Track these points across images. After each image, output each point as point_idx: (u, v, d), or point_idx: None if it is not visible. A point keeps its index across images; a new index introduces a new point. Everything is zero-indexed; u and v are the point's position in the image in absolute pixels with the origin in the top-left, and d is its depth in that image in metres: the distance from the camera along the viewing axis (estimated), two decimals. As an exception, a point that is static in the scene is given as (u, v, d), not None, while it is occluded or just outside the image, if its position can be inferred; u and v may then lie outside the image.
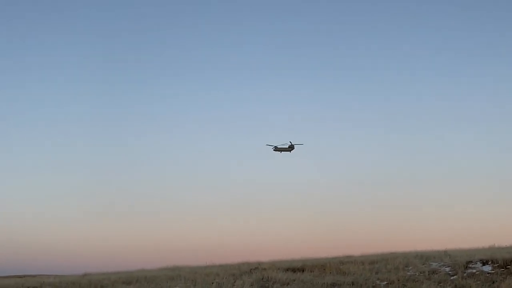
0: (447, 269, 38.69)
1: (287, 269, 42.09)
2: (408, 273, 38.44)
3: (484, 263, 38.79)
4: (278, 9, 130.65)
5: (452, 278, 36.43)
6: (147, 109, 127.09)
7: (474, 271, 37.57)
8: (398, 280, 36.52)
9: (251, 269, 43.21)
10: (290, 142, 68.25)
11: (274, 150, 68.88)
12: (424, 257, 42.96)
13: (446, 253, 43.88)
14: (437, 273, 37.76)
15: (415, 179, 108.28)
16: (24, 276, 68.81)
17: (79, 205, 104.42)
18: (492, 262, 38.63)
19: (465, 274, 36.88)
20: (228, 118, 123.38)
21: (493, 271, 37.12)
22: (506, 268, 37.29)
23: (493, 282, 34.90)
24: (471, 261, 39.28)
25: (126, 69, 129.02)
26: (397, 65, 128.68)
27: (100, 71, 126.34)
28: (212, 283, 38.70)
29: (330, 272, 40.17)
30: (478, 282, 35.13)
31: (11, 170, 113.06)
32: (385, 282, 36.55)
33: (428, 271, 38.28)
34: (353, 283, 36.50)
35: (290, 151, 68.80)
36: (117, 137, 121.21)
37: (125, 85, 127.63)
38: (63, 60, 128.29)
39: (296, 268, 42.29)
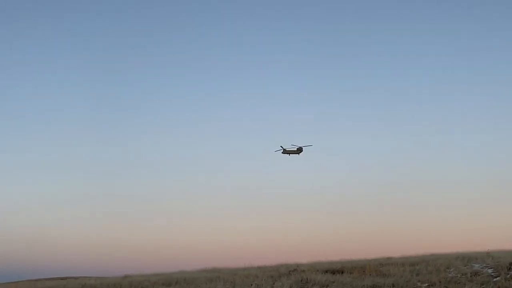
0: (490, 270, 37.99)
1: (326, 271, 41.89)
2: (450, 275, 37.87)
3: (528, 264, 38.02)
4: (280, 8, 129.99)
5: (495, 279, 35.72)
6: (158, 108, 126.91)
7: (518, 272, 36.85)
8: (440, 282, 35.98)
9: (289, 270, 43.14)
10: (293, 145, 68.12)
11: (282, 153, 68.53)
12: (465, 259, 42.30)
13: (488, 254, 43.14)
14: (479, 275, 37.09)
15: (454, 179, 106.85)
16: (66, 278, 69.87)
17: (120, 208, 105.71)
18: (537, 263, 37.85)
19: (508, 276, 36.13)
20: (251, 118, 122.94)
21: (537, 273, 36.35)
22: (551, 269, 36.49)
23: (538, 284, 34.15)
24: (515, 262, 38.54)
25: (126, 70, 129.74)
26: (410, 64, 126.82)
27: (100, 71, 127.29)
28: (251, 284, 38.71)
29: (370, 274, 39.82)
30: (522, 283, 34.42)
31: (45, 173, 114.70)
32: (426, 284, 36.04)
33: (470, 273, 37.64)
34: (393, 285, 36.08)
35: (298, 153, 68.36)
36: (143, 137, 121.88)
37: (127, 86, 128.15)
38: (63, 60, 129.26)
39: (335, 270, 42.06)
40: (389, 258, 48.00)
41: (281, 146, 68.05)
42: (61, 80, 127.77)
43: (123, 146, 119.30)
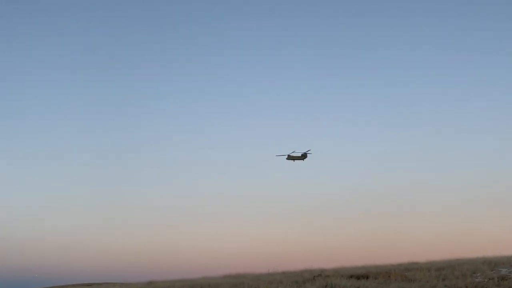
0: (517, 275, 37.53)
1: (350, 276, 41.63)
2: (476, 279, 37.41)
3: (557, 268, 37.47)
4: (281, 10, 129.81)
5: (523, 284, 35.28)
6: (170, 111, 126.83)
7: (546, 277, 36.33)
8: (466, 286, 35.59)
9: (314, 276, 42.96)
10: (296, 152, 67.99)
11: (287, 159, 68.32)
12: (492, 263, 41.78)
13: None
14: (506, 279, 36.61)
15: (477, 183, 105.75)
16: (92, 284, 70.34)
17: (144, 215, 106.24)
18: None
19: (536, 281, 35.68)
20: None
21: None
22: None
23: None
24: (543, 267, 38.02)
25: (131, 75, 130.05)
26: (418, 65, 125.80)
27: (105, 76, 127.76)
28: (275, 290, 38.64)
29: (395, 279, 39.50)
30: (551, 288, 33.94)
31: (68, 181, 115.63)
32: (453, 289, 35.72)
33: (497, 277, 37.17)
34: (419, 290, 35.81)
35: (303, 159, 68.19)
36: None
37: (131, 91, 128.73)
38: (67, 63, 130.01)
39: (360, 275, 41.79)
40: (414, 263, 47.59)
41: (285, 154, 68.21)
42: (67, 84, 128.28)
43: (140, 153, 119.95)
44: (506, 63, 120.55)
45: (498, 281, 36.52)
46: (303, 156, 67.98)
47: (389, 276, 40.60)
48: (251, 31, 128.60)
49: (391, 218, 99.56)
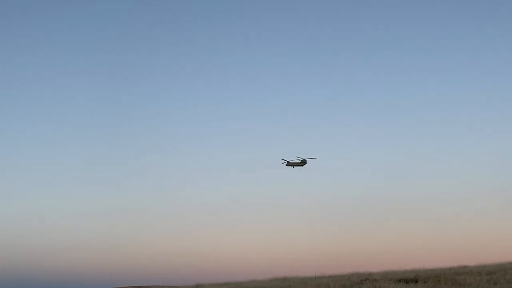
0: None
1: (399, 280, 41.09)
2: (530, 284, 36.59)
3: None
4: (282, 12, 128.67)
5: None
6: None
7: None
8: (519, 291, 34.85)
9: (361, 280, 42.56)
10: (297, 157, 67.55)
11: (286, 165, 68.02)
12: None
13: None
14: (561, 284, 35.72)
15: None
16: (140, 287, 71.11)
17: (191, 217, 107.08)
18: None
19: None
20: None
21: None
22: None
23: None
24: None
25: (132, 76, 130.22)
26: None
27: (107, 75, 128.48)
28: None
29: (445, 283, 38.87)
30: None
31: (118, 182, 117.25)
32: (505, 294, 34.98)
33: (552, 282, 36.30)
34: (470, 295, 35.17)
35: (302, 165, 67.80)
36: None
37: (132, 92, 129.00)
38: (70, 64, 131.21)
39: (409, 279, 41.21)
40: (464, 267, 46.80)
41: (282, 159, 68.04)
42: (68, 83, 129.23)
43: (183, 155, 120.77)
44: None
45: (552, 285, 35.66)
46: (303, 163, 67.95)
47: (438, 280, 39.95)
48: (253, 34, 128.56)
49: (440, 221, 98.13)
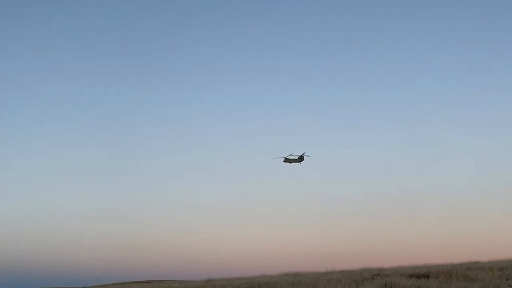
0: None
1: (410, 276, 40.99)
2: (542, 279, 36.38)
3: None
4: (282, 12, 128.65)
5: None
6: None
7: None
8: (531, 287, 34.64)
9: (373, 275, 42.49)
10: (293, 154, 67.54)
11: (284, 161, 68.03)
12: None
13: None
14: None
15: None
16: (151, 281, 71.54)
17: (203, 215, 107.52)
18: None
19: None
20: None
21: None
22: None
23: None
24: None
25: (132, 77, 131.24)
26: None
27: (108, 78, 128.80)
28: (334, 289, 38.38)
29: (457, 279, 38.71)
30: None
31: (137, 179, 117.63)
32: (517, 289, 34.78)
33: None
34: (482, 290, 34.99)
35: (300, 162, 67.90)
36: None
37: (133, 93, 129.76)
38: (71, 65, 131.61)
39: (420, 275, 41.09)
40: (476, 263, 46.63)
41: (274, 157, 68.13)
42: (69, 85, 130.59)
43: (184, 154, 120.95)
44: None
45: None
46: (300, 159, 68.05)
47: (450, 276, 39.82)
48: (252, 32, 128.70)
49: (451, 217, 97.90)
